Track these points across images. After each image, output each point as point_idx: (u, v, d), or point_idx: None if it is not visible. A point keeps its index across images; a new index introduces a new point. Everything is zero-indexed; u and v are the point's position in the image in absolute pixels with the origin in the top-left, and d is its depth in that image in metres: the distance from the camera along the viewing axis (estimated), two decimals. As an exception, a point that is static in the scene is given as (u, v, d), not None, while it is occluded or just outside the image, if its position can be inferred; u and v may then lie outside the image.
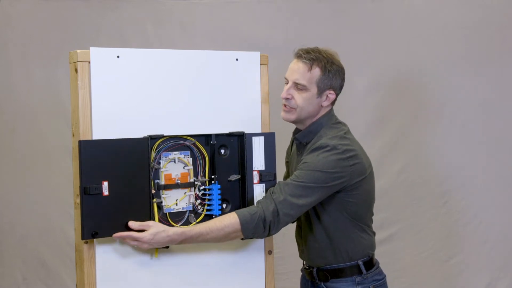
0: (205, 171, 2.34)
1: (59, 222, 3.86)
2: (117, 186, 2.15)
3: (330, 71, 2.35)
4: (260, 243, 2.45)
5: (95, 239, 2.16)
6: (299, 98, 2.35)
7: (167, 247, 2.24)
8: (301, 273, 2.62)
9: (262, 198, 2.31)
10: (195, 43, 3.79)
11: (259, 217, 2.23)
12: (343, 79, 2.41)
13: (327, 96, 2.38)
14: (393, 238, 3.89)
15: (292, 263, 3.63)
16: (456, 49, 3.86)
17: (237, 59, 2.40)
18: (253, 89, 2.43)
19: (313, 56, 2.34)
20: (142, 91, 2.24)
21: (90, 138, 2.15)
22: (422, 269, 3.89)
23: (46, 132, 3.87)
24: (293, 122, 2.43)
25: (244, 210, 2.26)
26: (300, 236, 2.53)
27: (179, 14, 3.87)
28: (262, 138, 2.39)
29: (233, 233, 2.23)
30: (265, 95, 2.45)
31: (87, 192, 2.10)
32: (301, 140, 2.43)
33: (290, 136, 2.60)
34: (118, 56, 2.20)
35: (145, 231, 2.17)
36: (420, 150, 3.84)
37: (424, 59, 3.87)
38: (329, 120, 2.41)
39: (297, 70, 2.35)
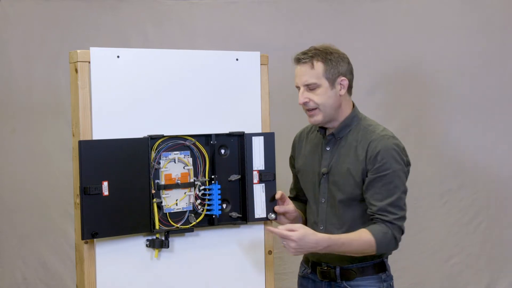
0: (205, 171, 2.34)
1: (59, 222, 3.86)
2: (117, 186, 2.15)
3: (332, 60, 2.37)
4: (260, 243, 2.45)
5: (95, 239, 2.16)
6: (315, 97, 2.37)
7: (168, 246, 2.24)
8: (300, 276, 2.60)
9: (389, 214, 2.32)
10: (195, 43, 3.79)
11: (391, 236, 2.32)
12: (348, 63, 2.42)
13: (340, 84, 2.39)
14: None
15: (292, 263, 3.63)
16: (456, 49, 3.86)
17: (237, 59, 2.40)
18: (253, 89, 2.43)
19: (310, 54, 2.37)
20: (142, 91, 2.24)
21: (90, 138, 2.15)
22: (422, 269, 3.89)
23: (46, 132, 3.87)
24: (323, 123, 2.42)
25: (378, 229, 2.30)
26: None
27: (179, 14, 3.87)
28: (262, 138, 2.39)
29: (369, 249, 2.30)
30: (265, 95, 2.45)
31: (87, 192, 2.10)
32: (338, 136, 2.43)
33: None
34: (118, 56, 2.20)
35: (294, 232, 2.19)
36: (420, 150, 3.84)
37: (424, 59, 3.87)
38: (358, 113, 2.46)
39: (302, 72, 2.38)
